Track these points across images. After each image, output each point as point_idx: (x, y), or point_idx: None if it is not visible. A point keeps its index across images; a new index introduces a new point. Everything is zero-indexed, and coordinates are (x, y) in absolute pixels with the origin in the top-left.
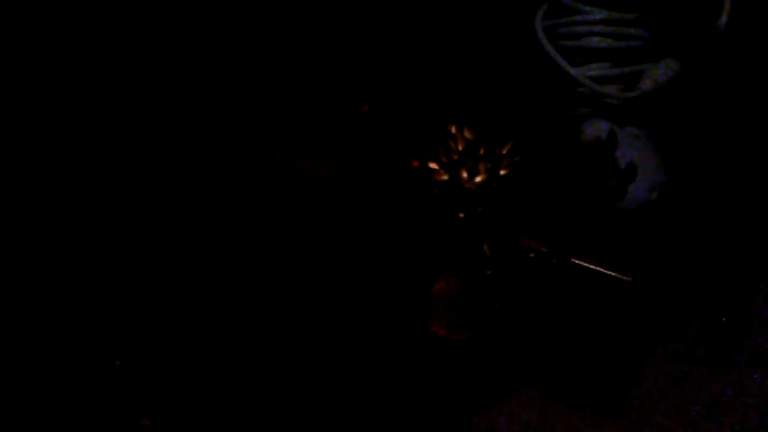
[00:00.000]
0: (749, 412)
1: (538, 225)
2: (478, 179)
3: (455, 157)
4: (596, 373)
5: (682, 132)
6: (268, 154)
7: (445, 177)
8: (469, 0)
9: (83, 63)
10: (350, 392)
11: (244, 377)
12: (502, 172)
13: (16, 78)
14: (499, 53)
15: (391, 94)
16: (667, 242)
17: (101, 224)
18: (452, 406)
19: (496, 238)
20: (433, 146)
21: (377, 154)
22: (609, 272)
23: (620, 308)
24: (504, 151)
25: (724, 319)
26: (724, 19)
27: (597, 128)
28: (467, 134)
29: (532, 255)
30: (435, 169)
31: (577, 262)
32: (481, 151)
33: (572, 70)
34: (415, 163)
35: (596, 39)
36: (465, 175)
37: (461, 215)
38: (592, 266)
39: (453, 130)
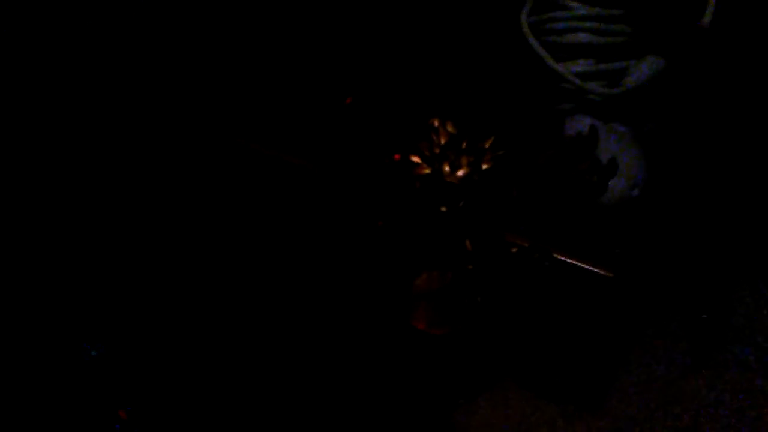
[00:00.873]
0: (728, 409)
1: (520, 220)
2: (460, 173)
3: (437, 151)
4: (577, 369)
5: (665, 129)
6: (249, 146)
7: (428, 170)
8: None
9: (72, 53)
10: (329, 386)
11: (224, 369)
12: (484, 167)
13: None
14: (483, 47)
15: (374, 87)
16: (648, 239)
17: (78, 211)
18: (433, 401)
19: (477, 233)
20: (415, 139)
21: (359, 146)
22: (590, 268)
23: (601, 304)
24: (486, 146)
25: (705, 316)
26: (708, 16)
27: (580, 124)
28: (450, 128)
29: (514, 250)
30: (417, 163)
31: (558, 257)
32: (464, 145)
33: (556, 66)
34: (397, 157)
35: (581, 35)
36: (447, 168)
37: (443, 209)
38: (573, 262)
39: (435, 123)
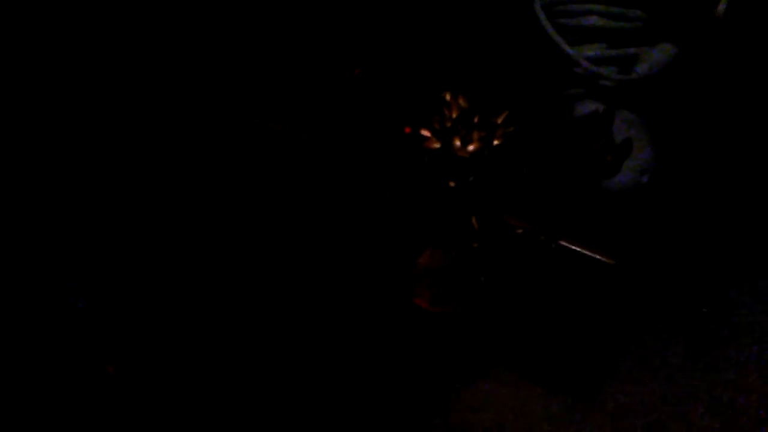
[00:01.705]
0: (723, 402)
1: (528, 201)
2: (470, 148)
3: (448, 125)
4: (574, 358)
5: (675, 117)
6: (259, 121)
7: (438, 145)
8: None
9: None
10: (326, 364)
11: (215, 332)
12: (495, 142)
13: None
14: (497, 26)
15: (384, 58)
16: (653, 228)
17: (67, 170)
18: (430, 383)
19: (485, 211)
20: (426, 113)
21: (368, 119)
22: (592, 254)
23: (601, 292)
24: (499, 121)
25: (704, 310)
26: (723, 4)
27: (589, 110)
28: (462, 102)
29: (519, 231)
30: (427, 137)
31: (562, 242)
32: (476, 120)
33: (569, 50)
34: (407, 130)
35: (594, 18)
36: (458, 143)
37: (452, 184)
38: (576, 247)
39: (447, 97)
